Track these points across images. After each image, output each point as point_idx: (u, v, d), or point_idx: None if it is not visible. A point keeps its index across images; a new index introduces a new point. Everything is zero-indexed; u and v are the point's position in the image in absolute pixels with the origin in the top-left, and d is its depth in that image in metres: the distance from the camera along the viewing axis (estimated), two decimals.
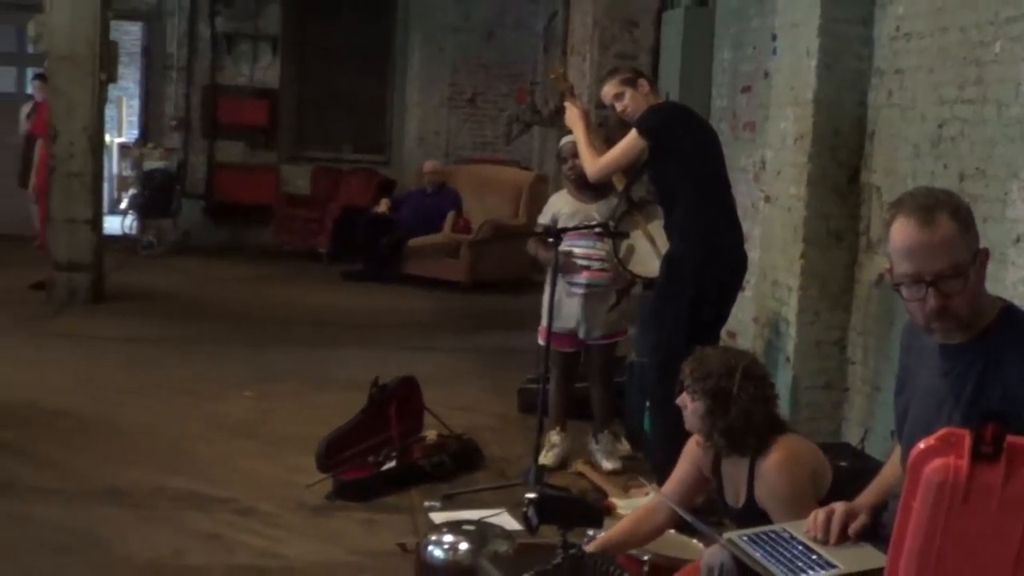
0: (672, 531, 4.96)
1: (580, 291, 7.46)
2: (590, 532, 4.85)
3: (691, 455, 4.80)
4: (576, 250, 7.42)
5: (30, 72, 18.06)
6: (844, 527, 3.70)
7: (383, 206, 16.09)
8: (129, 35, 19.42)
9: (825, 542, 3.68)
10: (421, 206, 15.74)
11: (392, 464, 7.19)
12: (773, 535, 3.80)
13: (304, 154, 18.46)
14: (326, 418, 7.56)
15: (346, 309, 13.38)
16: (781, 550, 3.67)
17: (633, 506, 6.04)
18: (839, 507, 3.75)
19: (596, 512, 4.88)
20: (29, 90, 17.57)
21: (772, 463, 4.45)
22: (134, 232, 17.11)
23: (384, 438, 7.27)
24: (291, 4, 18.10)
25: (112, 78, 13.44)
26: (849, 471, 5.18)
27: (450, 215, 15.51)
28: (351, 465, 7.06)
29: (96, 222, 12.76)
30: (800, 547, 3.67)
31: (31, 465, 7.31)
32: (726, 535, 3.93)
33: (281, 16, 18.01)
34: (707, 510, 4.96)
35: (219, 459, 7.56)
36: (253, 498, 6.82)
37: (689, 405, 4.64)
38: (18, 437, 7.83)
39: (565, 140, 7.64)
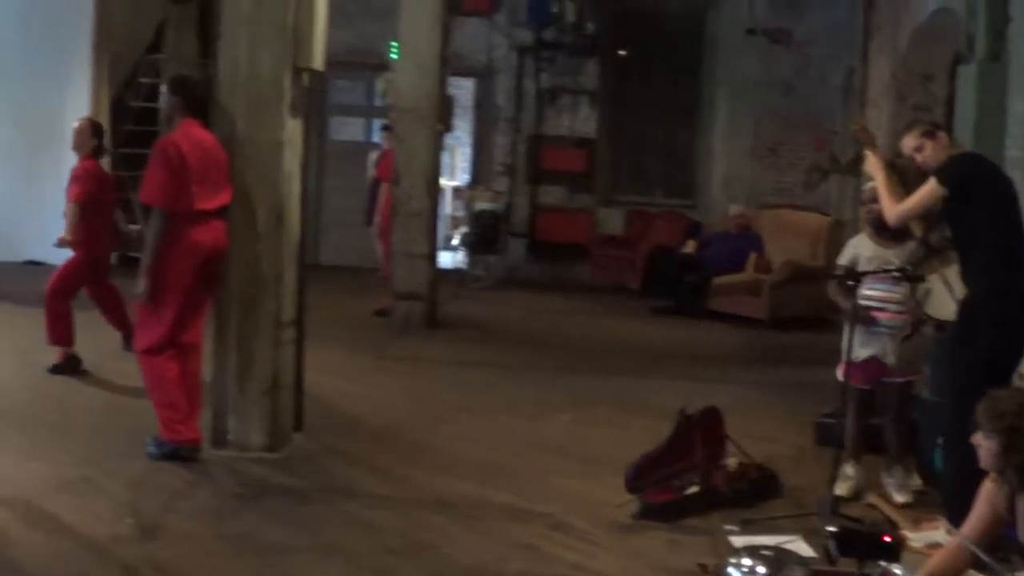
0: (972, 571, 4.73)
1: (878, 331, 7.26)
2: (883, 564, 4.68)
3: (987, 495, 4.60)
4: (874, 293, 7.22)
5: (376, 123, 18.57)
6: None
7: (690, 246, 15.98)
8: (463, 90, 19.75)
9: None
10: (726, 247, 15.56)
11: (695, 489, 7.09)
12: None
13: (618, 198, 18.47)
14: (635, 443, 7.50)
15: (655, 341, 13.28)
16: None
17: (924, 540, 5.83)
18: None
19: (893, 547, 4.71)
20: (376, 139, 18.08)
21: None
22: (464, 266, 17.39)
23: (689, 464, 7.17)
24: (608, 62, 18.18)
25: (448, 128, 13.74)
26: None
27: (753, 256, 15.28)
28: (657, 488, 6.99)
29: (432, 257, 13.03)
30: None
31: (370, 474, 7.47)
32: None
33: (599, 73, 18.11)
34: (993, 547, 4.73)
35: (537, 476, 7.58)
36: (567, 514, 6.81)
37: (983, 443, 4.46)
38: (360, 448, 8.02)
39: (867, 185, 7.50)
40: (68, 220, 9.59)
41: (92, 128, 10.02)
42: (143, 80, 17.41)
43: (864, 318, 7.17)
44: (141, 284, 7.25)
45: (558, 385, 10.51)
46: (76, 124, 10.05)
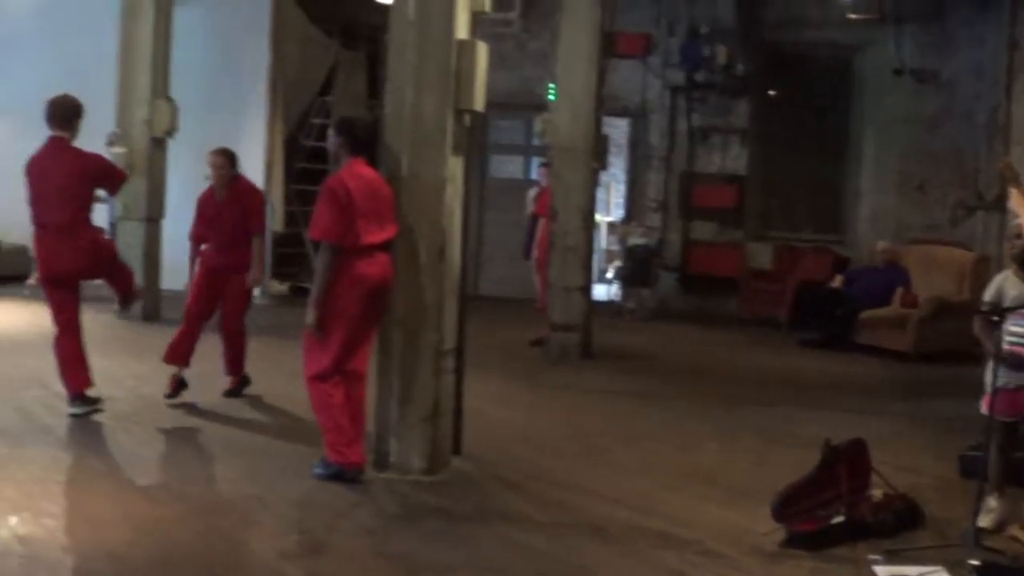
0: None
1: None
2: None
3: None
4: (1019, 329, 7.00)
5: (535, 161, 18.67)
6: None
7: (837, 281, 15.73)
8: (618, 129, 19.78)
9: None
10: (872, 281, 15.29)
11: (840, 518, 6.94)
12: None
13: (767, 233, 18.30)
14: (781, 472, 7.38)
15: (802, 373, 13.08)
16: None
17: None
18: None
19: None
20: (534, 176, 18.17)
21: None
22: (618, 299, 17.36)
23: (834, 494, 7.01)
24: (758, 101, 18.06)
25: (603, 166, 13.73)
26: None
27: (899, 290, 14.97)
28: (803, 517, 6.85)
29: (586, 289, 13.02)
30: None
31: (525, 498, 7.43)
32: None
33: (749, 112, 18.01)
34: None
35: (686, 503, 7.48)
36: (715, 541, 6.70)
37: None
38: (515, 472, 7.99)
39: (1013, 222, 7.30)
40: (259, 252, 9.80)
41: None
42: (315, 120, 17.74)
43: (1008, 356, 6.96)
44: (310, 314, 7.34)
45: (707, 414, 10.40)
46: (218, 158, 9.88)
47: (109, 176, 9.12)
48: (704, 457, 8.83)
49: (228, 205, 9.77)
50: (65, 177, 8.77)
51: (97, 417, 8.83)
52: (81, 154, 8.94)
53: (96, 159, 9.11)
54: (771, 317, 16.39)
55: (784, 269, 17.28)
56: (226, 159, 9.85)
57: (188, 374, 9.65)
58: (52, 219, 8.73)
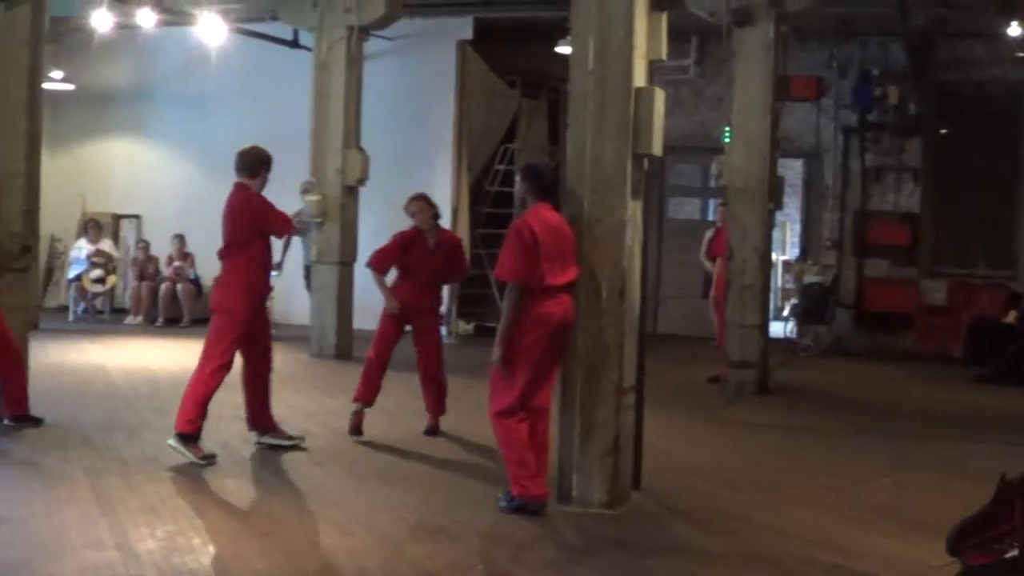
0: None
1: None
2: None
3: None
4: None
5: (711, 202, 18.50)
6: None
7: (1011, 316, 15.19)
8: (792, 170, 19.52)
9: None
10: None
11: (1015, 553, 6.60)
12: None
13: (941, 269, 17.82)
14: (955, 506, 7.03)
15: (977, 408, 12.65)
16: None
17: None
18: None
19: None
20: (711, 217, 17.99)
21: None
22: (793, 336, 17.06)
23: (1009, 528, 6.67)
24: (930, 140, 17.65)
25: (778, 206, 13.53)
26: None
27: None
28: (977, 551, 6.53)
29: (763, 327, 12.80)
30: None
31: (703, 531, 7.26)
32: None
33: (921, 150, 17.60)
34: None
35: (861, 536, 7.22)
36: (889, 573, 6.49)
37: None
38: (693, 506, 7.84)
39: None
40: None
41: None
42: (499, 167, 17.84)
43: None
44: (496, 352, 7.32)
45: (881, 449, 10.13)
46: (421, 203, 9.93)
47: (269, 220, 9.08)
48: (878, 491, 8.57)
49: (437, 250, 9.85)
50: (227, 216, 8.90)
51: (292, 451, 8.95)
52: (249, 198, 8.98)
53: (257, 204, 9.02)
54: (945, 352, 15.92)
55: (958, 305, 16.83)
56: (428, 203, 9.93)
57: (376, 410, 9.71)
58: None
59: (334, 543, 6.63)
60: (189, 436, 8.49)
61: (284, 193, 15.58)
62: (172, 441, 8.51)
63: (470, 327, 17.42)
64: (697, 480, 8.63)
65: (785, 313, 18.47)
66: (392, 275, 9.87)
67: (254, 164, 9.09)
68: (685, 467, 9.03)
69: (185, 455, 8.40)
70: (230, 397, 10.74)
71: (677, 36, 9.67)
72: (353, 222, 14.70)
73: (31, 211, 9.94)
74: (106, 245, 18.01)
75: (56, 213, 17.25)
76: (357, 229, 14.76)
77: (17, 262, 9.62)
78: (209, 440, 9.12)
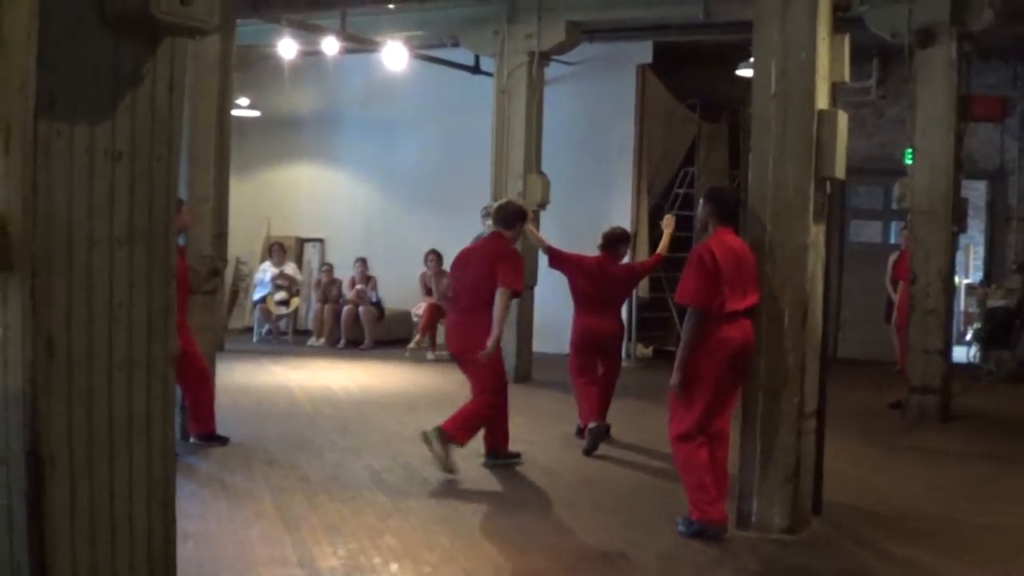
0: None
1: None
2: None
3: None
4: None
5: (894, 225, 18.10)
6: None
7: None
8: (976, 192, 18.99)
9: None
10: None
11: None
12: None
13: None
14: None
15: None
16: None
17: None
18: None
19: None
20: (893, 240, 17.60)
21: None
22: (976, 361, 16.54)
23: None
24: None
25: (962, 228, 13.15)
26: None
27: None
28: None
29: (946, 351, 12.43)
30: None
31: (884, 558, 7.08)
32: None
33: None
34: None
35: None
36: None
37: None
38: (873, 533, 7.63)
39: None
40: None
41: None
42: (679, 191, 17.73)
43: None
44: (675, 376, 7.26)
45: None
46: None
47: (517, 277, 9.28)
48: None
49: (621, 274, 10.72)
50: (479, 266, 9.17)
51: (472, 471, 9.02)
52: (512, 251, 9.38)
53: (516, 258, 9.38)
54: None
55: None
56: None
57: (558, 434, 9.73)
58: (457, 302, 9.35)
59: (514, 564, 6.64)
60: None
61: (466, 217, 15.91)
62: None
63: (649, 351, 17.32)
64: (878, 507, 8.40)
65: (968, 338, 17.91)
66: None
67: (510, 217, 9.43)
68: (866, 493, 8.81)
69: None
70: (412, 420, 10.92)
71: (858, 57, 9.49)
72: (534, 247, 14.75)
73: (220, 235, 10.22)
74: (290, 268, 18.41)
75: (242, 236, 17.74)
76: (537, 254, 14.80)
77: (206, 284, 9.88)
78: (392, 461, 9.25)
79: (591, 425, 10.06)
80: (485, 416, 9.16)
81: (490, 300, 8.90)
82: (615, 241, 10.70)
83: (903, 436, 11.49)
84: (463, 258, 9.46)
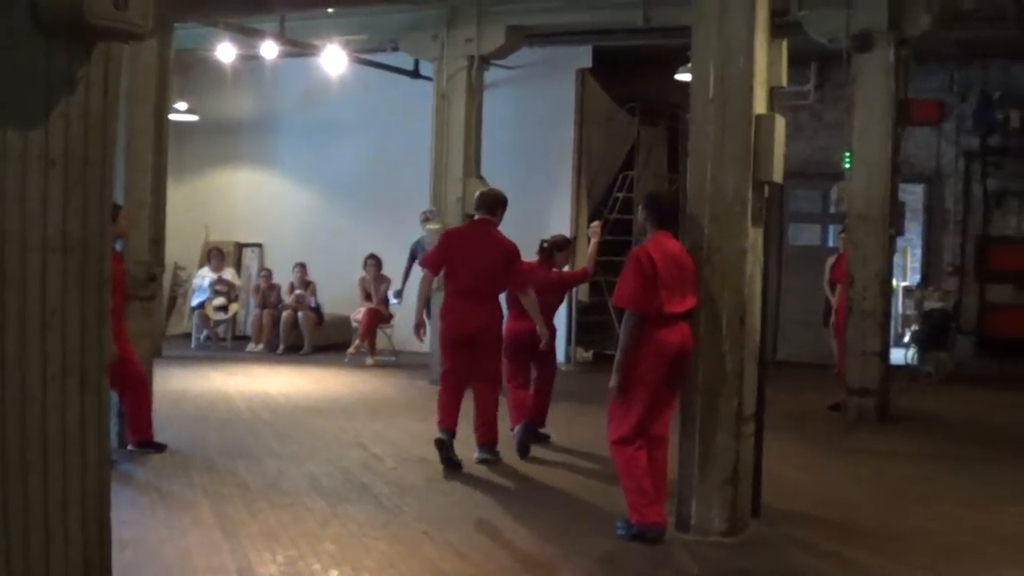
0: None
1: None
2: None
3: None
4: None
5: (832, 229, 18.29)
6: None
7: None
8: (913, 195, 19.24)
9: None
10: None
11: None
12: None
13: None
14: None
15: None
16: None
17: None
18: None
19: None
20: (831, 243, 17.78)
21: None
22: (914, 363, 16.75)
23: None
24: None
25: (899, 232, 13.31)
26: None
27: None
28: None
29: (884, 353, 12.60)
30: None
31: (822, 559, 7.15)
32: None
33: None
34: None
35: (986, 567, 7.08)
36: None
37: None
38: (812, 534, 7.71)
39: None
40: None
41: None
42: (618, 194, 17.83)
43: None
44: (614, 379, 7.30)
45: (1005, 477, 9.87)
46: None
47: (515, 266, 9.70)
48: (1003, 520, 8.34)
49: (552, 282, 10.64)
50: (490, 255, 9.51)
51: (411, 477, 9.01)
52: (504, 239, 9.66)
53: (513, 247, 9.69)
54: None
55: None
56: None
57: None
58: (469, 288, 9.48)
59: (453, 569, 6.64)
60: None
61: (405, 222, 15.89)
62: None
63: (588, 355, 17.39)
64: (817, 508, 8.50)
65: (906, 340, 18.14)
66: None
67: (493, 204, 9.79)
68: (805, 495, 8.90)
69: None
70: (350, 424, 10.90)
71: (796, 62, 9.57)
72: None
73: (157, 240, 10.16)
74: (228, 274, 18.32)
75: (180, 242, 17.64)
76: None
77: (143, 290, 9.82)
78: (332, 467, 9.24)
79: (517, 426, 10.10)
80: (498, 404, 9.72)
81: (498, 291, 9.58)
82: (553, 248, 10.73)
83: (841, 438, 11.62)
84: (457, 242, 9.76)
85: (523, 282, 9.66)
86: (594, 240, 10.61)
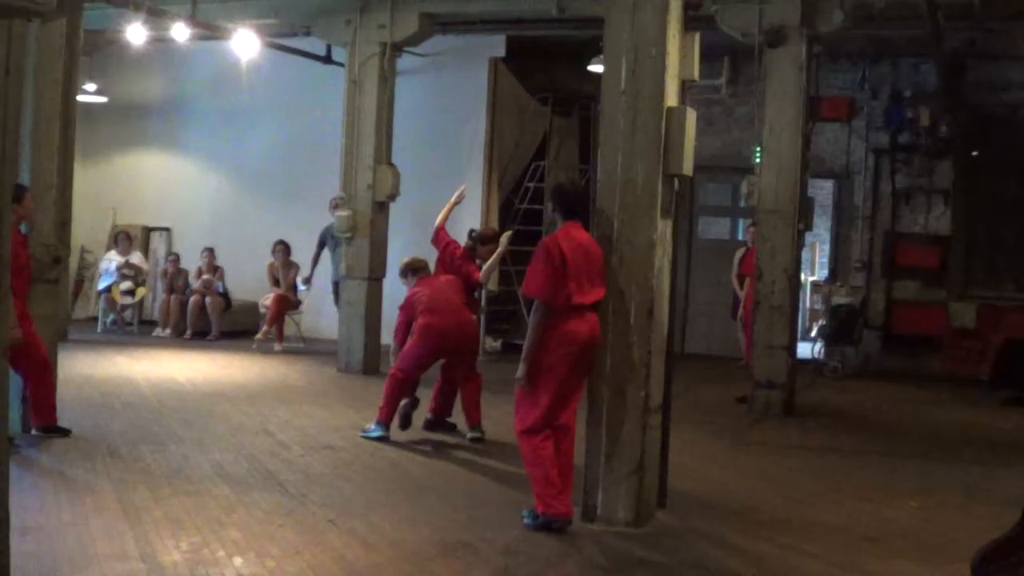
0: None
1: None
2: None
3: None
4: None
5: (741, 222, 18.49)
6: None
7: None
8: (823, 191, 19.50)
9: None
10: None
11: None
12: None
13: (971, 292, 17.66)
14: (981, 529, 6.97)
15: (1004, 431, 12.56)
16: None
17: None
18: None
19: None
20: (740, 237, 17.96)
21: None
22: (821, 357, 17.00)
23: None
24: (961, 162, 17.50)
25: (808, 227, 13.48)
26: None
27: None
28: (1003, 574, 6.50)
29: (791, 348, 12.76)
30: None
31: (728, 550, 7.26)
32: None
33: (952, 172, 17.48)
34: None
35: (887, 559, 7.20)
36: None
37: None
38: (719, 526, 7.82)
39: None
40: None
41: None
42: (529, 184, 17.89)
43: None
44: (521, 369, 7.34)
45: (908, 471, 10.08)
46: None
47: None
48: (904, 513, 8.53)
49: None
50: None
51: (317, 464, 8.99)
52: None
53: None
54: (974, 375, 15.81)
55: (987, 328, 16.62)
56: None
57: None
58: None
59: (358, 558, 6.65)
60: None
61: (315, 208, 15.82)
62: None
63: (497, 344, 17.44)
64: (723, 500, 8.62)
65: (813, 334, 18.40)
66: None
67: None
68: (711, 487, 9.02)
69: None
70: (256, 411, 10.85)
71: (709, 56, 9.65)
72: (383, 238, 14.76)
73: (63, 223, 10.01)
74: (136, 257, 18.11)
75: (87, 225, 17.44)
76: (387, 245, 14.81)
77: (48, 273, 9.68)
78: (237, 453, 9.19)
79: (404, 401, 10.31)
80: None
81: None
82: (477, 241, 10.76)
83: (748, 430, 11.77)
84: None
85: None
86: (499, 250, 10.59)
